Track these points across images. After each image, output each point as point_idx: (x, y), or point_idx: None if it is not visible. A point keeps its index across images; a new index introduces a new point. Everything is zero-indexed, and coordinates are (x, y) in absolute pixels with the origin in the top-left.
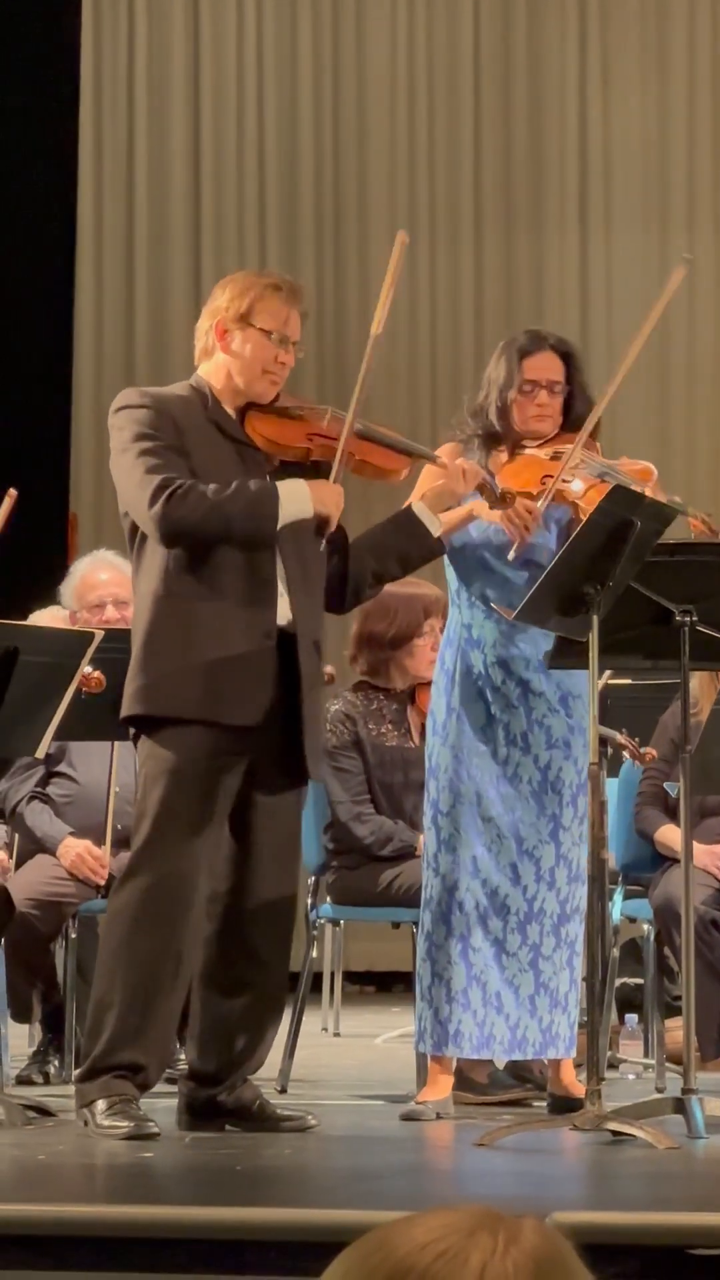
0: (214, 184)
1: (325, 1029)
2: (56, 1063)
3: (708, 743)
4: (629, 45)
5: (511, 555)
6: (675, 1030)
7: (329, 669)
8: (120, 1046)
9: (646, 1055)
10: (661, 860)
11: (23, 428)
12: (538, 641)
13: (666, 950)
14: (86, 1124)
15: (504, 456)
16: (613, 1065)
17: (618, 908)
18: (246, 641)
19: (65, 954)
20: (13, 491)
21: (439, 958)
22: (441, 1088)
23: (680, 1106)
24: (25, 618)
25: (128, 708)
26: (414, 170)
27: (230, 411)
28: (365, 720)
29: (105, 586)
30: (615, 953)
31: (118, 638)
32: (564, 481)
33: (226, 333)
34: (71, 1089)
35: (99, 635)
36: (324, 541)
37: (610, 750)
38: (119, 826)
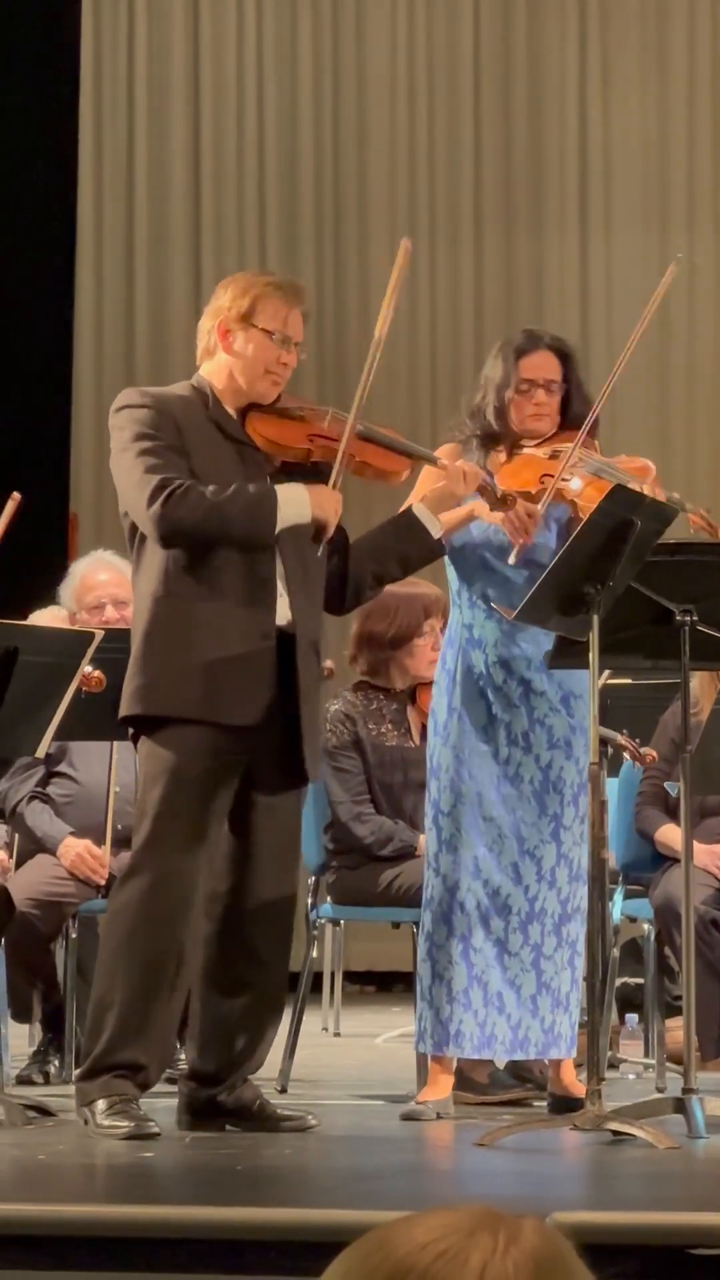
0: (214, 184)
1: (325, 1029)
2: (57, 1062)
3: (708, 742)
4: (629, 45)
5: (512, 559)
6: (675, 1030)
7: (328, 663)
8: (121, 1046)
9: (647, 1055)
10: (662, 860)
11: (23, 428)
12: (539, 641)
13: (667, 950)
14: (87, 1123)
15: (502, 456)
16: (613, 1065)
17: (618, 907)
18: (245, 642)
19: (65, 954)
20: (16, 495)
21: (440, 958)
22: (442, 1088)
23: (680, 1106)
24: (25, 618)
25: (126, 707)
26: (414, 170)
27: (231, 412)
28: (365, 720)
29: (104, 587)
30: (615, 952)
31: (118, 637)
32: (562, 480)
33: (229, 333)
34: (71, 1089)
35: (99, 635)
36: (322, 547)
37: (610, 750)
38: (119, 826)
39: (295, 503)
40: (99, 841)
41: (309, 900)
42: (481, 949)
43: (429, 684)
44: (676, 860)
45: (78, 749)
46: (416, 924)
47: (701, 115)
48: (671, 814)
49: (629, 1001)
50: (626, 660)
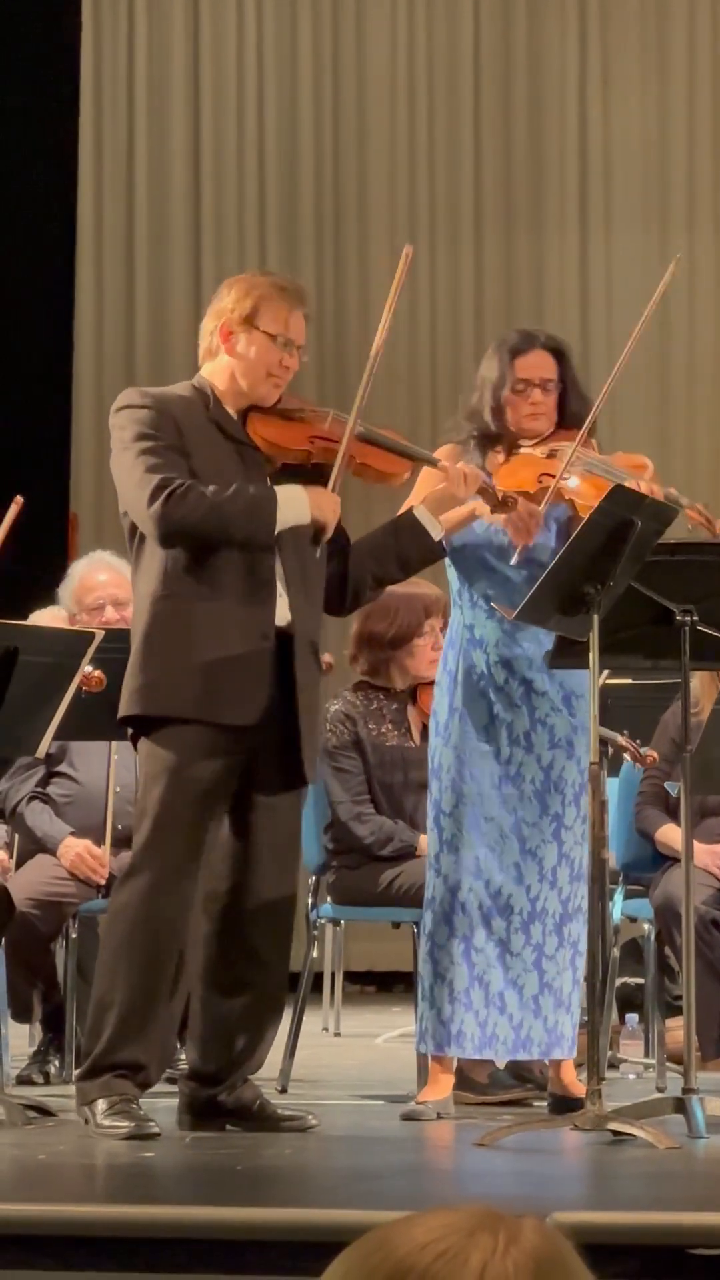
0: (214, 184)
1: (326, 1029)
2: (57, 1063)
3: (708, 742)
4: (629, 45)
5: (514, 559)
6: (676, 1030)
7: (327, 657)
8: (121, 1045)
9: (647, 1055)
10: (662, 860)
11: (23, 428)
12: (541, 641)
13: (667, 950)
14: (87, 1123)
15: (500, 457)
16: (613, 1065)
17: (618, 907)
18: (244, 642)
19: (65, 954)
20: (19, 499)
21: (441, 958)
22: (442, 1088)
23: (681, 1106)
24: (25, 618)
25: (125, 707)
26: (414, 171)
27: (232, 412)
28: (365, 720)
29: (104, 588)
30: (616, 952)
31: (118, 637)
32: (561, 479)
33: (231, 334)
34: (72, 1089)
35: (99, 635)
36: (321, 548)
37: (611, 750)
38: (119, 826)
39: (294, 504)
40: (99, 841)
41: (309, 900)
42: (483, 949)
43: (429, 684)
44: (677, 860)
45: (78, 749)
46: (417, 924)
47: (701, 115)
48: (672, 814)
49: (629, 1001)
50: (627, 660)
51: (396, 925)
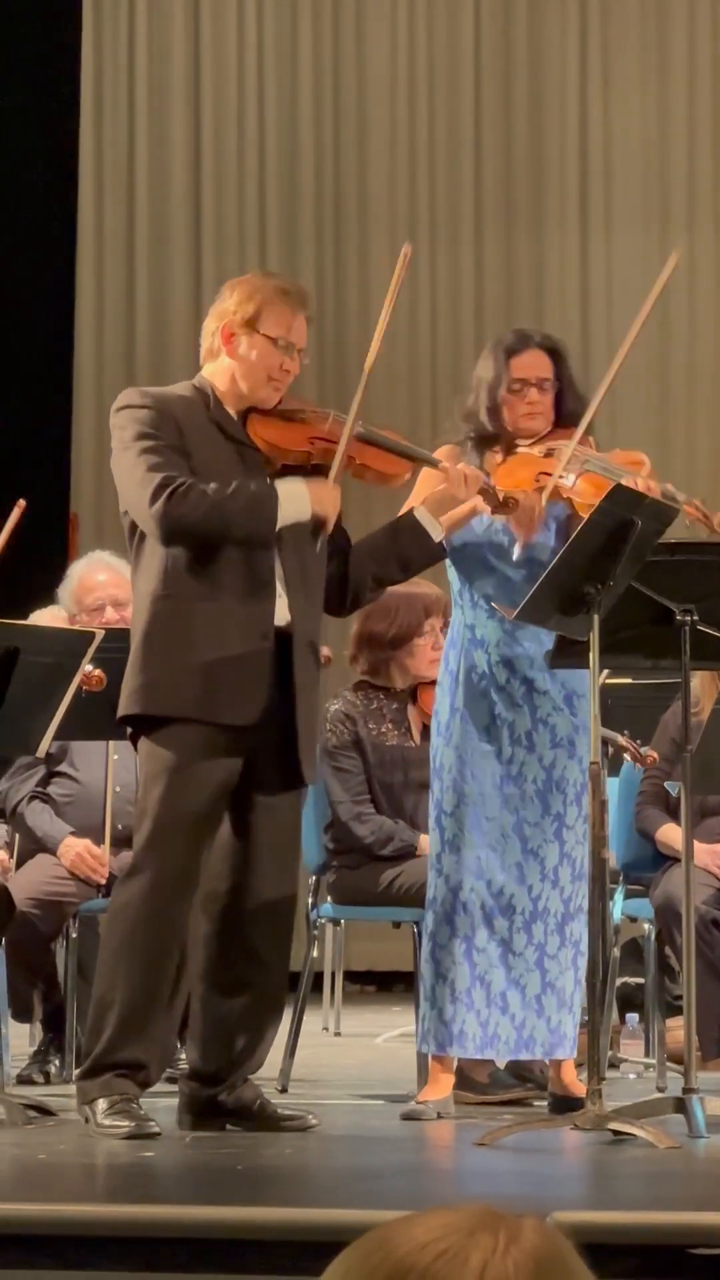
0: (214, 184)
1: (326, 1028)
2: (57, 1062)
3: (709, 742)
4: (629, 44)
5: (516, 553)
6: (676, 1030)
7: (325, 650)
8: (122, 1044)
9: (647, 1055)
10: (662, 859)
11: (23, 428)
12: (542, 640)
13: (667, 949)
14: (87, 1121)
15: (498, 457)
16: (613, 1065)
17: (618, 907)
18: (243, 642)
19: (66, 953)
20: (21, 502)
21: (443, 958)
22: (442, 1087)
23: (681, 1106)
24: (25, 618)
25: (124, 707)
26: (414, 170)
27: (232, 413)
28: (365, 720)
29: (103, 588)
30: (616, 952)
31: (118, 637)
32: (558, 478)
33: (233, 336)
34: (72, 1088)
35: (99, 634)
36: (320, 543)
37: (611, 750)
38: (119, 826)
39: (295, 499)
40: (99, 841)
41: (309, 900)
42: (485, 949)
43: (429, 683)
44: (677, 860)
45: (78, 749)
46: (417, 924)
47: (702, 115)
48: (672, 814)
49: (629, 1001)
50: (627, 660)
51: (397, 925)
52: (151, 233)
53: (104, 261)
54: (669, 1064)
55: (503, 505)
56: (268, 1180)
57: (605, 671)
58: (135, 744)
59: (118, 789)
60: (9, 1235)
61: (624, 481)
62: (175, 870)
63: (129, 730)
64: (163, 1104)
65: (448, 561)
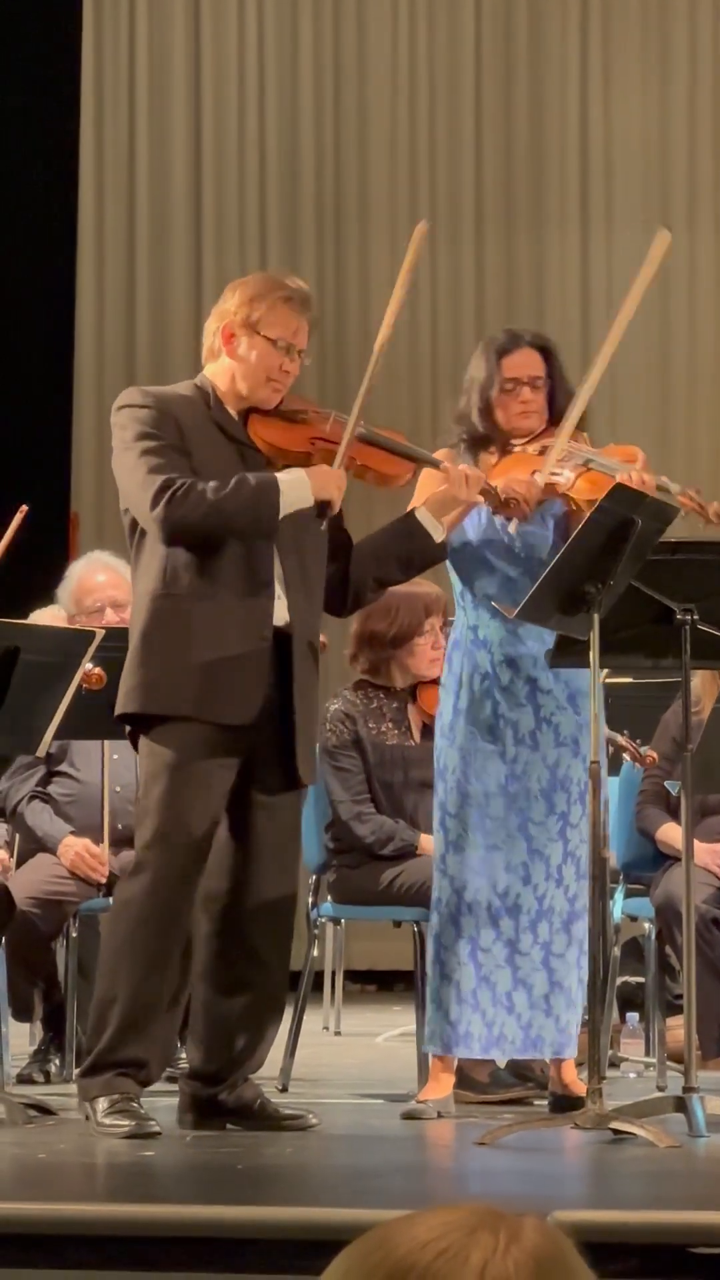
0: (215, 184)
1: (326, 1028)
2: (57, 1061)
3: (709, 741)
4: (630, 44)
5: (512, 527)
6: (676, 1029)
7: (321, 637)
8: (124, 1042)
9: (648, 1054)
10: (663, 859)
11: (24, 427)
12: (545, 639)
13: (668, 949)
14: (88, 1118)
15: (494, 458)
16: (614, 1064)
17: (619, 906)
18: (242, 641)
19: (66, 953)
20: (24, 508)
21: (448, 959)
22: (443, 1086)
23: (681, 1105)
24: (26, 617)
25: (122, 705)
26: (415, 170)
27: (233, 413)
28: (365, 719)
29: (102, 590)
30: (616, 951)
31: (119, 636)
32: (553, 475)
33: (233, 337)
34: (72, 1088)
35: (100, 634)
36: (325, 524)
37: (611, 749)
38: (119, 825)
39: (296, 486)
40: (98, 840)
41: (310, 899)
42: (490, 949)
43: (429, 683)
44: (677, 859)
45: (79, 748)
46: (417, 923)
47: (702, 114)
48: (673, 813)
49: (630, 1000)
50: (627, 659)
51: (397, 924)
52: (152, 233)
53: (104, 261)
54: (669, 1063)
55: (504, 505)
56: (268, 1179)
57: (605, 671)
58: (133, 743)
59: (118, 789)
60: (9, 1234)
61: (618, 476)
62: (177, 868)
63: (127, 729)
64: (163, 1103)
65: (448, 563)
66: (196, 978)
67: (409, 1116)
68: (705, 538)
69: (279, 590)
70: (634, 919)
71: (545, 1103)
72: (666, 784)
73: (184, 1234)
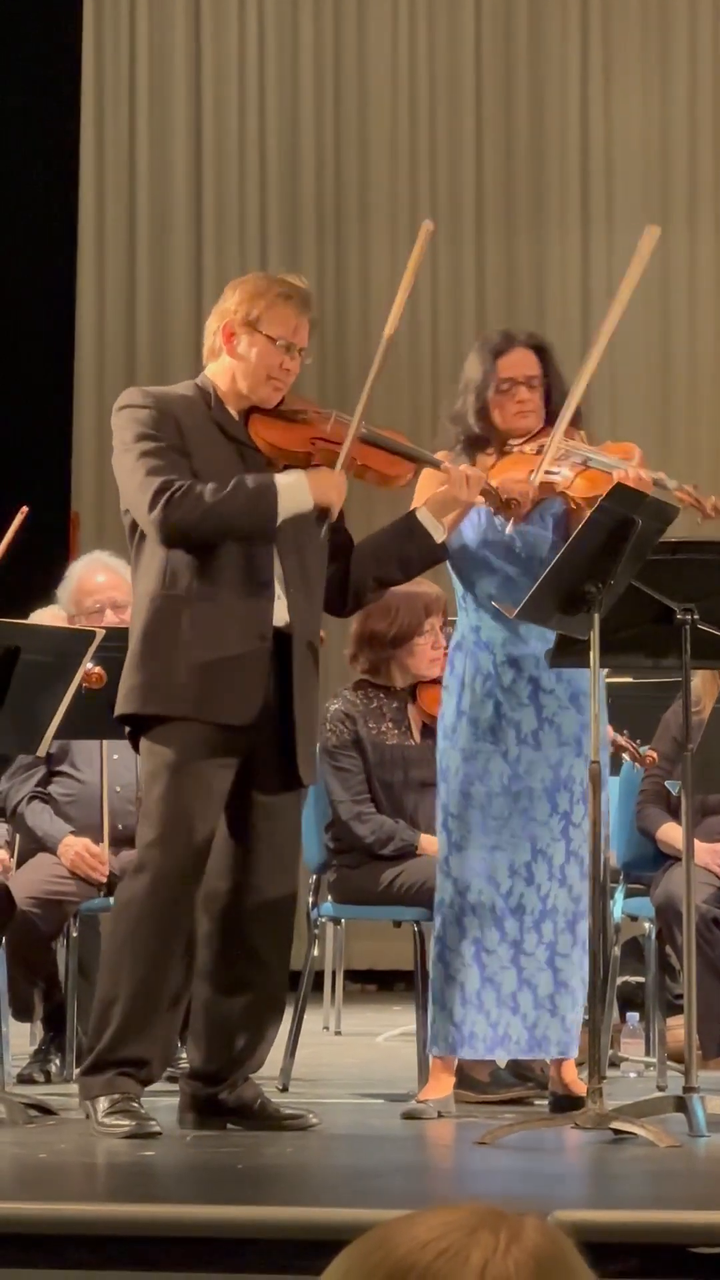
0: (215, 184)
1: (326, 1027)
2: (58, 1061)
3: (709, 741)
4: (631, 43)
5: (510, 528)
6: (677, 1029)
7: (320, 633)
8: (125, 1041)
9: (648, 1054)
10: (663, 858)
11: (23, 428)
12: (548, 639)
13: (668, 948)
14: (89, 1116)
15: (491, 459)
16: (614, 1064)
17: (619, 906)
18: (242, 642)
19: (66, 953)
20: (25, 509)
21: (452, 960)
22: (443, 1086)
23: (682, 1105)
24: (26, 617)
25: (122, 706)
26: (415, 169)
27: (234, 413)
28: (365, 719)
29: (102, 590)
30: (617, 951)
31: (119, 636)
32: (550, 473)
33: (233, 336)
34: (72, 1088)
35: (100, 634)
36: (325, 529)
37: (611, 749)
38: (119, 825)
39: (295, 490)
40: (98, 840)
41: (310, 899)
42: (495, 950)
43: (429, 683)
44: (678, 859)
45: (80, 748)
46: (418, 923)
47: (703, 113)
48: (673, 813)
49: (630, 1000)
50: (628, 659)
51: (397, 924)
52: (152, 232)
53: (104, 261)
54: (669, 1063)
55: (505, 505)
56: (268, 1179)
57: (604, 670)
58: (134, 744)
59: (118, 789)
60: (9, 1234)
61: (615, 473)
62: (178, 868)
63: (126, 730)
64: (163, 1103)
65: (449, 564)
66: (197, 977)
67: (409, 1116)
68: (706, 538)
69: (279, 590)
70: (634, 919)
71: (545, 1102)
72: (667, 784)
73: (184, 1234)
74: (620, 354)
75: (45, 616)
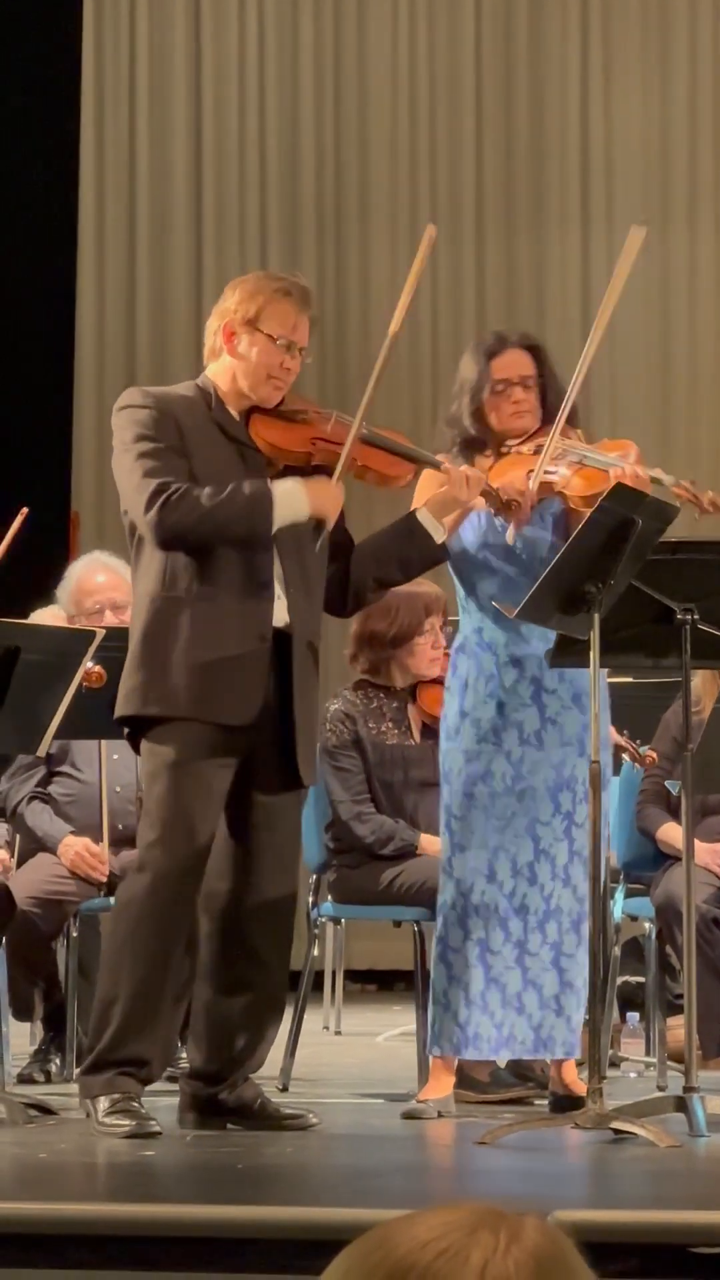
0: (215, 184)
1: (327, 1027)
2: (58, 1061)
3: (709, 741)
4: (630, 43)
5: (510, 537)
6: (677, 1028)
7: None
8: (126, 1040)
9: (648, 1053)
10: (663, 858)
11: (23, 428)
12: (550, 639)
13: (668, 948)
14: (89, 1115)
15: (489, 460)
16: (614, 1064)
17: (619, 906)
18: (242, 642)
19: (66, 952)
20: (25, 510)
21: (456, 961)
22: (443, 1086)
23: (682, 1105)
24: (26, 617)
25: (122, 707)
26: (415, 169)
27: (234, 413)
28: (365, 719)
29: (102, 591)
30: (617, 951)
31: (119, 636)
32: (548, 473)
33: (234, 335)
34: (72, 1088)
35: (100, 634)
36: (322, 539)
37: (611, 749)
38: (119, 825)
39: (291, 499)
40: (98, 840)
41: (310, 899)
42: (500, 951)
43: (429, 682)
44: (678, 859)
45: (80, 748)
46: (418, 923)
47: (703, 113)
48: (673, 812)
49: (630, 1000)
50: (628, 659)
51: (397, 924)
52: (152, 232)
53: (104, 261)
54: (669, 1063)
55: (505, 506)
56: (268, 1179)
57: (604, 670)
58: (133, 746)
59: (118, 789)
60: (9, 1234)
61: (613, 471)
62: (178, 868)
63: (125, 730)
64: (164, 1103)
65: (449, 565)
66: (197, 978)
67: (409, 1116)
68: (706, 537)
69: (279, 591)
70: (634, 919)
71: (545, 1102)
72: (667, 784)
73: (184, 1234)
74: (620, 354)
75: (45, 616)
